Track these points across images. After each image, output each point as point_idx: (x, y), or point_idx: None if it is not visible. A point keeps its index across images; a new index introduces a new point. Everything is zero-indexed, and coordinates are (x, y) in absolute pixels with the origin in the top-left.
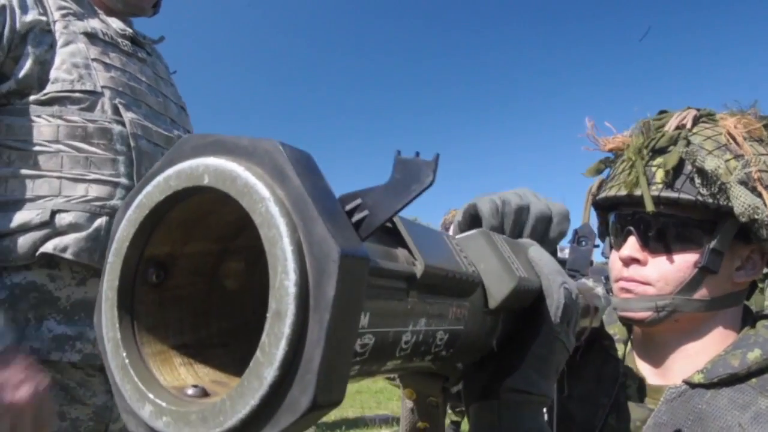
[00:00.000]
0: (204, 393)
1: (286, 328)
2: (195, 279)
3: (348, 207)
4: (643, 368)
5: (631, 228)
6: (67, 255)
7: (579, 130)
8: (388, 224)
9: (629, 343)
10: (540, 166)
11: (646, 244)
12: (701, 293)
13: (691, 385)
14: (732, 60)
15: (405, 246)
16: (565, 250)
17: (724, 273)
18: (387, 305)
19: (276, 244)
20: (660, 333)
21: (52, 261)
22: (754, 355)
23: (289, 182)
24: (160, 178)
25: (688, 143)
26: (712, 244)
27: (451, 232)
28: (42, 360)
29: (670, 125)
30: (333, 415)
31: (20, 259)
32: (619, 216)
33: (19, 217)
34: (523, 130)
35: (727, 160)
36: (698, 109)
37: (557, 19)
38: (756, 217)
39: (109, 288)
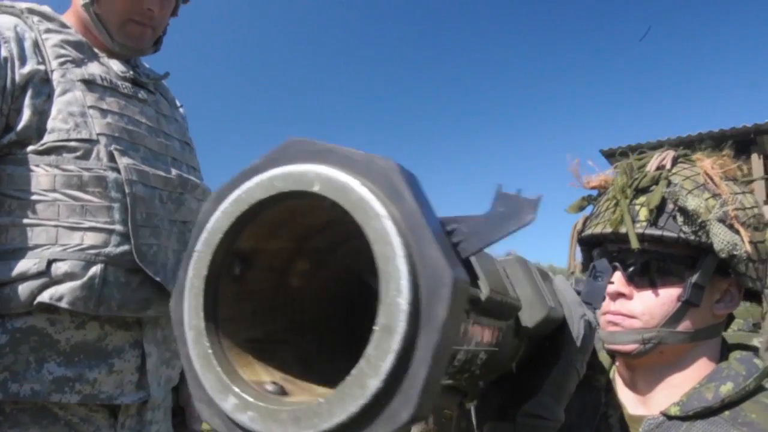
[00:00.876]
0: (282, 390)
1: (396, 344)
2: (269, 275)
3: (447, 228)
4: (627, 398)
5: (617, 264)
6: (63, 304)
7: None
8: None
9: (612, 373)
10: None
11: (631, 279)
12: (685, 325)
13: (668, 417)
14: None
15: (472, 270)
16: (580, 282)
17: (705, 306)
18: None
19: (390, 261)
20: (644, 364)
21: (51, 305)
22: (726, 388)
23: (405, 202)
24: (264, 176)
25: (669, 183)
26: (694, 278)
27: None
28: (44, 401)
29: (651, 165)
30: None
31: (19, 308)
32: (605, 252)
33: (18, 267)
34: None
35: (706, 199)
36: (676, 150)
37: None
38: (735, 253)
39: (196, 276)
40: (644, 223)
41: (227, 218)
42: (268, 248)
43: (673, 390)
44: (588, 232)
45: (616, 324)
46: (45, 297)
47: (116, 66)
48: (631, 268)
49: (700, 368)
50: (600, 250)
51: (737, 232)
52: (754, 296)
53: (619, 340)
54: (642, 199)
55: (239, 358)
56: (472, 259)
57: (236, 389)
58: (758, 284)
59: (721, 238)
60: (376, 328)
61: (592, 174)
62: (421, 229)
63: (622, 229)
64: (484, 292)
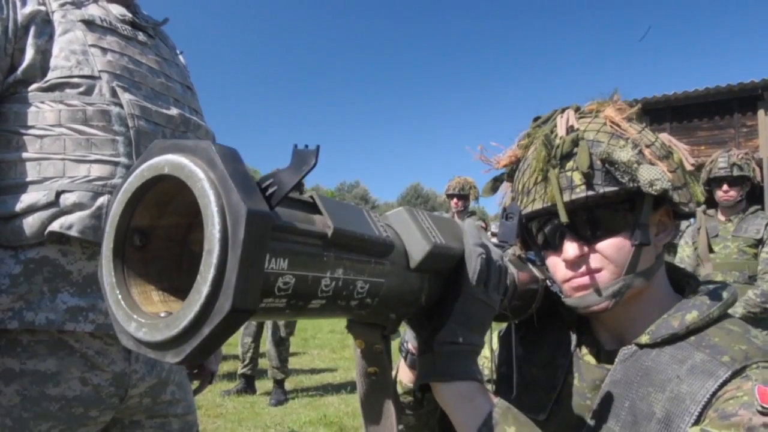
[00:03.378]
0: (170, 315)
1: (214, 259)
2: (169, 244)
3: (264, 185)
4: (602, 336)
5: (565, 230)
6: (73, 232)
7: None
8: (310, 199)
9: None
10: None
11: (585, 240)
12: (643, 265)
13: (639, 345)
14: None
15: (317, 210)
16: (496, 224)
17: (651, 242)
18: (304, 256)
19: (207, 207)
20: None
21: (62, 237)
22: (691, 316)
23: (217, 167)
24: (137, 170)
25: (587, 141)
26: (639, 220)
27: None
28: (59, 330)
29: (561, 129)
30: (339, 377)
31: (31, 238)
32: (547, 223)
33: (28, 199)
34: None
35: (623, 146)
36: (570, 107)
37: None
38: (665, 186)
39: (106, 248)
40: (582, 186)
41: (120, 204)
42: (162, 224)
43: (638, 323)
44: (527, 210)
45: (584, 287)
46: (55, 226)
47: (115, 9)
48: (580, 231)
49: (661, 294)
50: (538, 221)
51: (657, 166)
52: (682, 217)
53: (590, 302)
54: (570, 164)
55: (145, 301)
56: (320, 207)
57: (135, 317)
58: (691, 206)
59: (651, 176)
60: (203, 253)
61: (499, 153)
62: (228, 184)
63: (566, 197)
64: (331, 227)
